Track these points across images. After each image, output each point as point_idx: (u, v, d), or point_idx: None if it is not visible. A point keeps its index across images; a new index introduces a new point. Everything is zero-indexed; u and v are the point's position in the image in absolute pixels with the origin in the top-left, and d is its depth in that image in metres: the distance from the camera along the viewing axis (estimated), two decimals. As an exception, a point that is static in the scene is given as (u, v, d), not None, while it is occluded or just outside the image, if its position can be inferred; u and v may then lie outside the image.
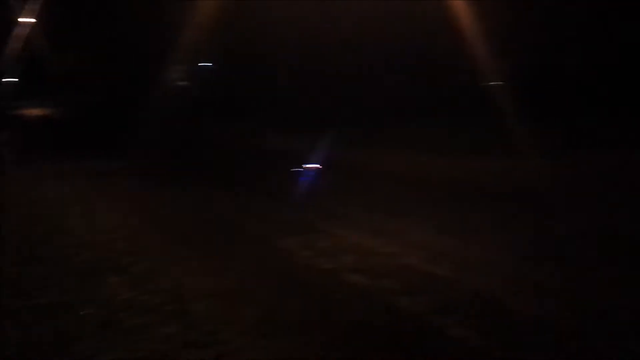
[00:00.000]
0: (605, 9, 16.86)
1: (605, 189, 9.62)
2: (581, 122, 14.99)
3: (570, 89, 17.33)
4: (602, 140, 13.44)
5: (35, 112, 37.58)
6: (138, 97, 25.34)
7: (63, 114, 33.70)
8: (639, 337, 4.19)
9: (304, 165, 12.06)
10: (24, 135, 17.32)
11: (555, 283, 5.40)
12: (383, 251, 6.41)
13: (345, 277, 5.60)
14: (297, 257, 6.33)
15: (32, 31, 30.21)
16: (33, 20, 29.17)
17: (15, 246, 6.94)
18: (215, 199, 10.19)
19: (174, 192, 10.87)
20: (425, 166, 12.71)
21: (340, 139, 17.68)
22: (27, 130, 23.68)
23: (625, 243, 6.60)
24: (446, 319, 4.54)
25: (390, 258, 6.16)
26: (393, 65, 21.95)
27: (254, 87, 26.57)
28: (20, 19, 28.43)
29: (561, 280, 5.48)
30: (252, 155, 16.40)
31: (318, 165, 12.09)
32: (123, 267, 5.98)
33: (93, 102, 29.09)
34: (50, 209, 9.08)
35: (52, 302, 5.04)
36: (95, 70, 31.93)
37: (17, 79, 39.64)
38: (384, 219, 7.98)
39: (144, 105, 23.14)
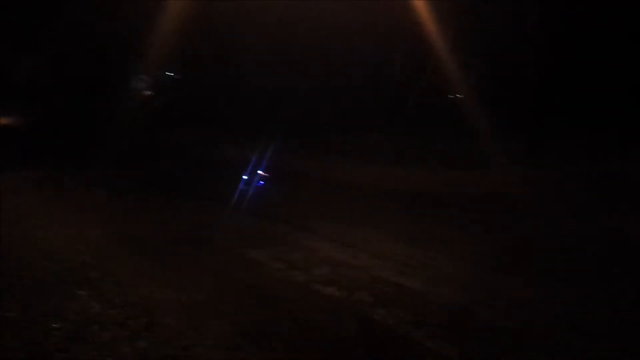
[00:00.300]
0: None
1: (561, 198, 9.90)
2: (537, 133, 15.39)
3: (528, 100, 17.75)
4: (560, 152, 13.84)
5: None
6: (101, 105, 24.97)
7: (23, 123, 32.94)
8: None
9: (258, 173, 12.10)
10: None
11: (525, 293, 5.51)
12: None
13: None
14: (268, 269, 6.29)
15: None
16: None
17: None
18: (176, 209, 10.11)
19: (136, 203, 10.73)
20: (384, 176, 12.86)
21: (299, 149, 17.80)
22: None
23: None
24: (419, 331, 4.58)
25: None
26: (353, 76, 22.01)
27: (216, 96, 26.51)
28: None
29: (532, 291, 5.59)
30: (210, 165, 16.31)
31: (264, 174, 12.13)
32: (90, 280, 5.86)
33: (55, 110, 28.47)
34: (11, 220, 8.82)
35: (19, 317, 4.91)
36: (56, 77, 31.22)
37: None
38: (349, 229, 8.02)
39: (106, 114, 22.82)
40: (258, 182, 11.92)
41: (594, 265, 6.62)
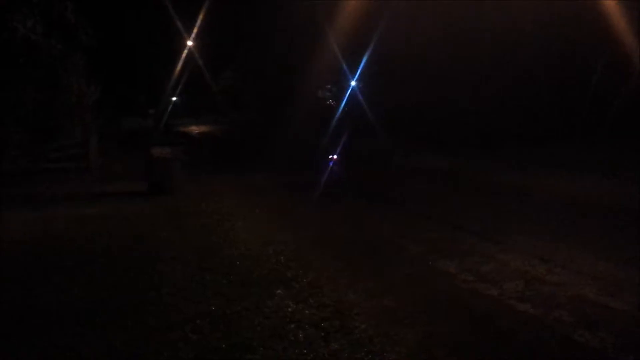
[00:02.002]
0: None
1: None
2: None
3: None
4: None
5: (197, 129, 40.52)
6: (291, 115, 26.31)
7: (222, 131, 35.93)
8: None
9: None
10: (191, 151, 18.59)
11: None
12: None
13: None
14: (457, 280, 6.14)
15: (193, 52, 32.32)
16: (194, 42, 31.05)
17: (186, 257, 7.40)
18: (368, 214, 10.26)
19: (330, 207, 11.08)
20: (585, 189, 11.97)
21: (491, 158, 17.19)
22: (193, 146, 25.34)
23: None
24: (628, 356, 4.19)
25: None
26: (548, 81, 20.76)
27: (399, 103, 26.58)
28: (187, 42, 30.41)
29: None
30: (401, 173, 16.33)
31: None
32: (286, 280, 6.17)
33: (250, 119, 30.63)
34: (216, 222, 9.61)
35: (224, 311, 5.31)
36: (251, 89, 33.58)
37: (180, 98, 42.98)
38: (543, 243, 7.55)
39: (296, 123, 24.02)
40: None
41: None
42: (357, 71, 27.86)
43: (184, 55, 31.97)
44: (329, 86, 33.29)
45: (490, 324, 4.95)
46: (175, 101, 43.10)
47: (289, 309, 5.33)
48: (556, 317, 5.02)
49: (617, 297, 5.42)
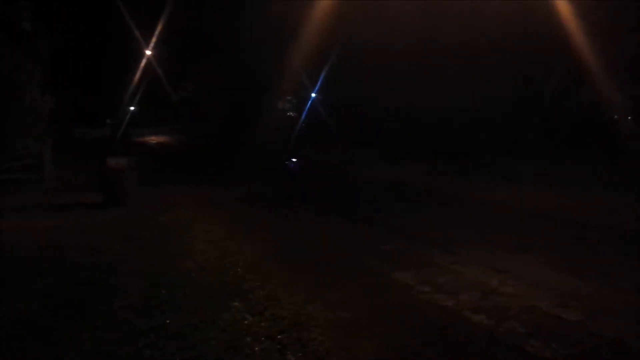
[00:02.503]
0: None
1: None
2: None
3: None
4: None
5: (155, 139, 40.02)
6: (251, 126, 26.23)
7: (181, 142, 35.59)
8: None
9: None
10: (148, 162, 18.36)
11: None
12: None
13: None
14: (414, 291, 6.18)
15: (151, 62, 31.99)
16: (152, 52, 30.74)
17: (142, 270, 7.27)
18: (325, 226, 10.26)
19: (287, 220, 11.07)
20: (535, 199, 12.26)
21: (447, 169, 17.46)
22: (149, 156, 25.02)
23: None
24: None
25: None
26: (504, 91, 21.13)
27: (360, 115, 26.74)
28: (145, 51, 30.09)
29: None
30: (360, 184, 16.42)
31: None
32: (242, 292, 6.11)
33: (209, 130, 30.41)
34: (173, 234, 9.48)
35: (178, 324, 5.22)
36: (211, 100, 33.37)
37: (138, 108, 42.42)
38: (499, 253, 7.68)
39: (256, 134, 23.96)
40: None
41: None
42: (317, 82, 28.01)
43: (142, 64, 31.60)
44: (290, 97, 33.34)
45: (445, 335, 4.98)
46: (133, 111, 42.50)
47: (245, 322, 5.27)
48: (509, 328, 5.10)
49: (569, 308, 5.54)
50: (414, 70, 23.03)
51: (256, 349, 4.71)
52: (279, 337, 4.94)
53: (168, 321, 5.30)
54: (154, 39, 28.70)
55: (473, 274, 6.73)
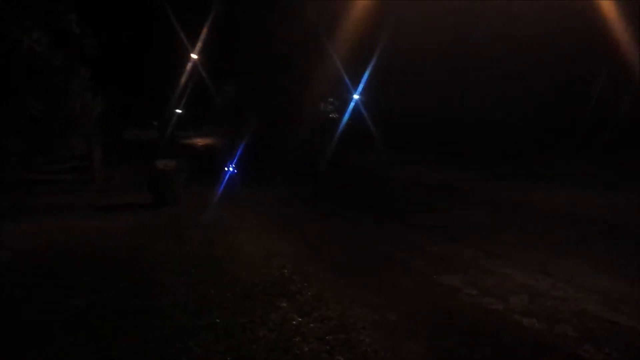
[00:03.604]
0: None
1: None
2: None
3: None
4: None
5: (201, 141, 40.64)
6: (292, 128, 26.36)
7: (227, 143, 36.01)
8: None
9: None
10: (194, 163, 18.64)
11: None
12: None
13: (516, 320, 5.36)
14: (461, 294, 6.13)
15: (197, 65, 32.42)
16: (198, 55, 31.14)
17: (189, 269, 7.40)
18: (369, 227, 10.24)
19: (330, 220, 11.08)
20: (584, 203, 11.97)
21: (489, 172, 17.21)
22: (196, 158, 25.42)
23: None
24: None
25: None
26: (545, 92, 20.64)
27: (400, 117, 26.58)
28: (191, 54, 30.53)
29: None
30: (400, 186, 16.32)
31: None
32: (290, 293, 6.16)
33: (253, 132, 30.69)
34: (218, 234, 9.62)
35: (227, 323, 5.30)
36: (253, 102, 33.66)
37: (184, 110, 43.15)
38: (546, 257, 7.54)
39: (297, 136, 24.07)
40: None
41: None
42: (359, 84, 27.93)
43: (188, 67, 32.08)
44: (331, 99, 33.39)
45: (495, 339, 4.93)
46: (179, 113, 43.27)
47: (294, 322, 5.32)
48: (561, 332, 5.02)
49: (621, 312, 5.41)
50: (451, 71, 22.82)
51: (305, 349, 4.75)
52: (326, 337, 4.97)
53: (217, 320, 5.39)
54: (199, 42, 29.12)
55: (521, 277, 6.63)
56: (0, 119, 15.23)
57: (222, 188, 16.13)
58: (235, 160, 22.47)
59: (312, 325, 5.25)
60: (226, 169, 20.12)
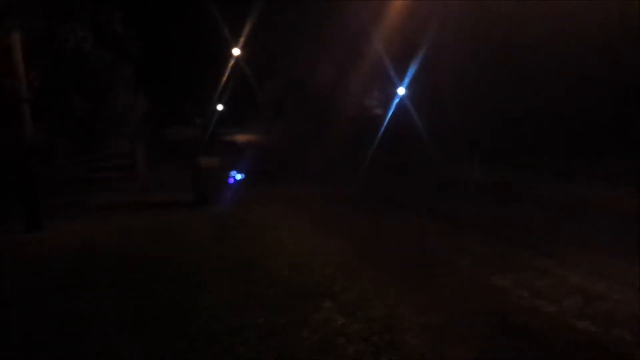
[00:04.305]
0: None
1: None
2: None
3: None
4: None
5: (244, 138, 40.91)
6: (335, 125, 26.23)
7: (269, 140, 36.21)
8: None
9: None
10: (238, 159, 18.78)
11: None
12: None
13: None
14: (512, 296, 5.91)
15: (239, 62, 32.58)
16: (240, 51, 31.26)
17: (232, 268, 7.37)
18: (414, 227, 10.04)
19: (374, 219, 10.91)
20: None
21: (536, 169, 16.75)
22: (239, 154, 25.58)
23: None
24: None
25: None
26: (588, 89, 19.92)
27: (447, 113, 26.13)
28: (232, 51, 30.68)
29: None
30: (442, 184, 16.00)
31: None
32: (333, 293, 6.06)
33: (295, 129, 30.70)
34: (261, 232, 9.60)
35: (270, 323, 5.23)
36: (295, 98, 33.65)
37: (226, 107, 43.51)
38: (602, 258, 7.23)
39: (340, 133, 23.94)
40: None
41: None
42: (404, 78, 27.57)
43: (230, 64, 32.27)
44: (376, 94, 33.06)
45: (547, 342, 4.72)
46: (221, 110, 43.61)
47: (337, 323, 5.22)
48: (617, 336, 4.78)
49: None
50: (502, 66, 22.25)
51: (349, 350, 4.64)
52: (372, 338, 4.85)
53: (260, 319, 5.33)
54: (242, 38, 29.24)
55: (574, 279, 6.35)
56: (49, 119, 15.57)
57: (264, 185, 16.14)
58: (275, 157, 22.50)
59: (356, 325, 5.14)
60: (268, 166, 20.18)
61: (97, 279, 7.03)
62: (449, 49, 23.36)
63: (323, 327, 5.13)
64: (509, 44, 21.12)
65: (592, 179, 14.45)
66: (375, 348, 4.66)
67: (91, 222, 11.14)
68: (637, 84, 17.99)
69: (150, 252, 8.38)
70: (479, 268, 6.98)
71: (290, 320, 5.28)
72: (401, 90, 28.29)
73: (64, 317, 5.63)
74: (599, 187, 13.45)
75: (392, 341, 4.79)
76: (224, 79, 34.00)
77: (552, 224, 9.71)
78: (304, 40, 29.81)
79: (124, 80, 19.05)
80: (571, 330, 4.96)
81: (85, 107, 16.66)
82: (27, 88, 10.61)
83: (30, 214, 10.50)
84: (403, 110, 28.08)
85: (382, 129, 26.47)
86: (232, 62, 32.20)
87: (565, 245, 7.96)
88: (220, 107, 42.67)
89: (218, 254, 8.05)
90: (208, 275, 6.90)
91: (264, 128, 41.90)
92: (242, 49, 30.85)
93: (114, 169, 18.07)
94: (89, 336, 5.14)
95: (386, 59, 25.75)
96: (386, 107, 29.85)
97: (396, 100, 28.68)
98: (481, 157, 18.99)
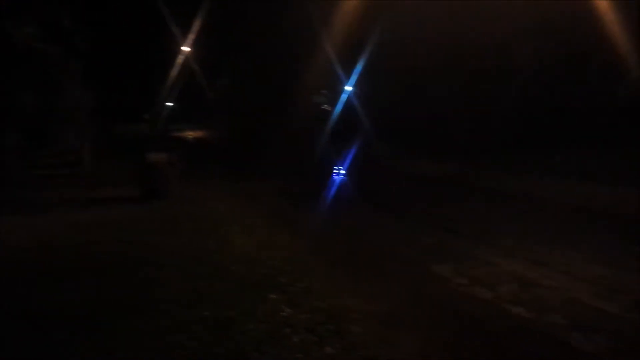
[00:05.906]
0: None
1: None
2: None
3: None
4: None
5: (192, 134, 40.63)
6: (285, 121, 26.27)
7: (217, 137, 35.96)
8: None
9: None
10: (185, 156, 18.60)
11: None
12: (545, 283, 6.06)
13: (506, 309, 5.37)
14: (452, 284, 6.13)
15: (188, 59, 32.25)
16: (189, 49, 30.96)
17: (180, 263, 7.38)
18: (361, 218, 10.23)
19: (323, 212, 11.07)
20: (582, 196, 11.96)
21: (489, 164, 17.18)
22: (186, 151, 25.34)
23: None
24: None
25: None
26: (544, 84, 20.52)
27: (395, 109, 26.48)
28: (182, 48, 30.37)
29: None
30: (394, 179, 16.28)
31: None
32: (280, 285, 6.15)
33: (244, 125, 30.61)
34: (210, 227, 9.60)
35: (217, 316, 5.29)
36: (245, 95, 33.51)
37: (175, 104, 43.03)
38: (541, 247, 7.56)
39: (290, 128, 24.00)
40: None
41: None
42: (352, 76, 27.80)
43: (180, 61, 31.91)
44: (324, 91, 33.23)
45: (485, 328, 4.94)
46: (171, 107, 43.11)
47: (283, 314, 5.32)
48: (550, 321, 5.03)
49: (611, 301, 5.44)
50: (444, 63, 22.71)
51: (295, 340, 4.74)
52: (317, 328, 4.96)
53: (207, 313, 5.37)
54: (191, 36, 28.96)
55: (512, 267, 6.64)
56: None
57: (213, 180, 16.07)
58: (224, 153, 22.40)
59: (302, 316, 5.24)
60: (219, 162, 20.09)
61: (48, 274, 6.90)
62: (390, 48, 23.68)
63: (269, 318, 5.21)
64: (447, 44, 21.59)
65: (529, 172, 14.95)
66: (319, 337, 4.77)
67: (40, 218, 10.89)
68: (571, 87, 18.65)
69: (98, 247, 8.26)
70: (424, 258, 7.20)
71: (238, 313, 5.34)
72: (349, 88, 28.53)
73: (16, 315, 5.53)
74: (546, 179, 13.94)
75: (337, 330, 4.91)
76: (174, 75, 33.59)
77: (493, 215, 10.07)
78: (254, 37, 29.74)
79: (73, 75, 18.65)
80: (507, 315, 5.20)
81: (34, 103, 16.26)
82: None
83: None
84: (350, 107, 28.33)
85: (330, 124, 26.64)
86: (181, 59, 31.84)
87: (504, 234, 8.28)
88: (170, 103, 42.16)
89: (165, 249, 8.02)
90: (156, 270, 6.88)
91: (214, 124, 41.61)
92: (192, 46, 30.56)
93: (62, 165, 17.69)
94: (38, 333, 5.08)
95: (333, 57, 25.93)
96: (334, 104, 30.02)
97: (344, 97, 28.88)
98: (429, 152, 19.38)
